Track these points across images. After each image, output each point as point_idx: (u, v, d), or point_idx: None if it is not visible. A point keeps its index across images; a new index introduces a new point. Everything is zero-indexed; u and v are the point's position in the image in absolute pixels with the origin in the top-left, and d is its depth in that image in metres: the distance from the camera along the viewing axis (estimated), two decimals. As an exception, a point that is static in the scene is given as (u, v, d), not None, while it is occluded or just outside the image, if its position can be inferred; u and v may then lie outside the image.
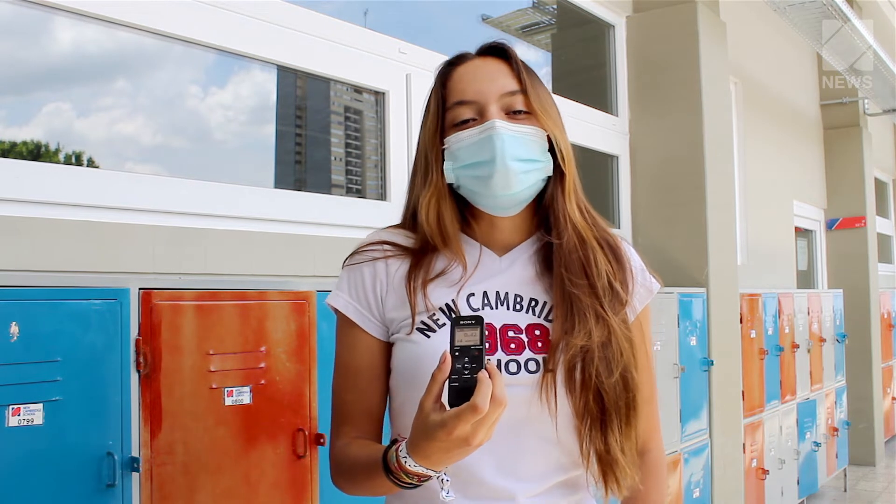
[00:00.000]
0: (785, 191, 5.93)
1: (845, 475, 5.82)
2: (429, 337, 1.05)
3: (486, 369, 0.87)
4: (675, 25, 3.77)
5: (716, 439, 3.62)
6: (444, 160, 1.09)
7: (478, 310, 1.07)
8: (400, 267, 1.11)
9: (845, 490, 5.75)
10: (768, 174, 5.47)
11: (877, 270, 6.88)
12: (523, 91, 1.09)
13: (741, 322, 4.03)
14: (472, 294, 1.08)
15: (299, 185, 2.63)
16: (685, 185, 3.72)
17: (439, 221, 1.09)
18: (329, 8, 2.55)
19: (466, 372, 0.87)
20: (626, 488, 1.05)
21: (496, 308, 1.07)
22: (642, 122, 3.90)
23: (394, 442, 0.96)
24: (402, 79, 2.69)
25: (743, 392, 4.02)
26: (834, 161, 6.79)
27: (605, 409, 1.02)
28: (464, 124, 1.08)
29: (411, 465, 0.91)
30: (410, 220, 1.15)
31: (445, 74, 1.13)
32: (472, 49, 1.16)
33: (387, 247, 1.13)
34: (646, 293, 1.16)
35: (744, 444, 4.03)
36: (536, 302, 1.09)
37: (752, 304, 4.25)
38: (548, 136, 1.09)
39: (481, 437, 0.87)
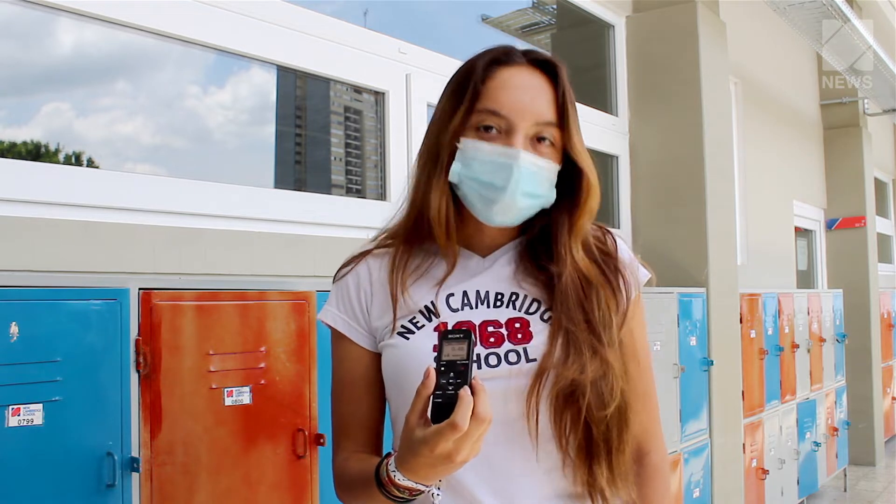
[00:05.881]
0: (785, 191, 5.92)
1: (845, 475, 5.82)
2: (408, 339, 1.04)
3: (470, 385, 0.85)
4: (675, 25, 3.77)
5: (716, 439, 3.62)
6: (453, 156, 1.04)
7: (457, 310, 1.06)
8: (381, 269, 1.10)
9: (845, 490, 5.74)
10: (768, 174, 5.47)
11: (877, 270, 6.88)
12: (559, 126, 1.04)
13: (741, 322, 4.03)
14: (452, 294, 1.07)
15: (299, 186, 2.63)
16: (685, 185, 3.72)
17: (447, 217, 1.05)
18: (329, 8, 2.55)
19: (451, 388, 0.85)
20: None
21: (476, 307, 1.06)
22: (642, 122, 3.89)
23: (387, 455, 0.95)
24: (402, 79, 2.69)
25: (743, 392, 4.01)
26: (834, 161, 6.78)
27: (592, 440, 1.00)
28: (486, 131, 1.02)
29: (400, 479, 0.90)
30: (409, 207, 1.10)
31: (488, 71, 1.04)
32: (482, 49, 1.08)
33: (367, 255, 1.12)
34: (634, 282, 1.11)
35: (744, 444, 4.03)
36: (517, 296, 1.07)
37: (752, 304, 4.25)
38: (580, 169, 1.05)
39: (465, 453, 0.85)
